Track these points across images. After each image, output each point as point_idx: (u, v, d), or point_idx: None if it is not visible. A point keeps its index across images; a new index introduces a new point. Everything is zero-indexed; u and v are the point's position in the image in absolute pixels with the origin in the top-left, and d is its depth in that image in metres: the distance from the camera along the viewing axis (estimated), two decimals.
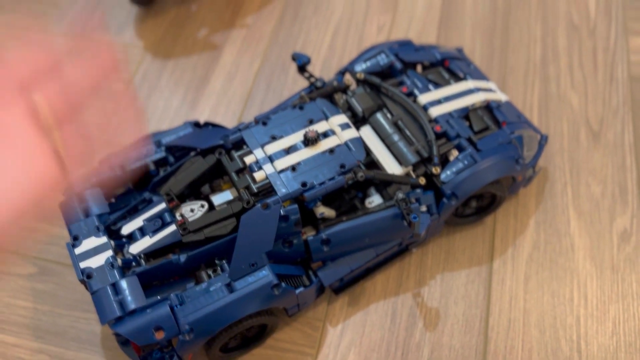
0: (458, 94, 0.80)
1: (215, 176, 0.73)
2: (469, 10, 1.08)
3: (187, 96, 0.97)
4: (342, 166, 0.68)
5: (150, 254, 0.67)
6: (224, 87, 0.98)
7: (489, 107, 0.81)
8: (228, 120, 0.93)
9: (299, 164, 0.68)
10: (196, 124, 0.78)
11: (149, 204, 0.70)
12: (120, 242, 0.68)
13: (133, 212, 0.70)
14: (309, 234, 0.69)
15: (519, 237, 0.81)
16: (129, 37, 1.05)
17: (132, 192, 0.74)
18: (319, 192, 0.66)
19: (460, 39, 1.04)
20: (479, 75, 0.85)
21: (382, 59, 0.83)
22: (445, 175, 0.72)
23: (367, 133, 0.76)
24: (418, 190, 0.72)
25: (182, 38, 1.05)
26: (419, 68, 0.86)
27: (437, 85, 0.82)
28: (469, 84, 0.82)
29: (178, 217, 0.67)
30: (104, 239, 0.66)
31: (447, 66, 0.85)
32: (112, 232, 0.69)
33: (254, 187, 0.67)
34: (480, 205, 0.80)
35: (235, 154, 0.71)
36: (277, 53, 1.03)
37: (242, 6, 1.09)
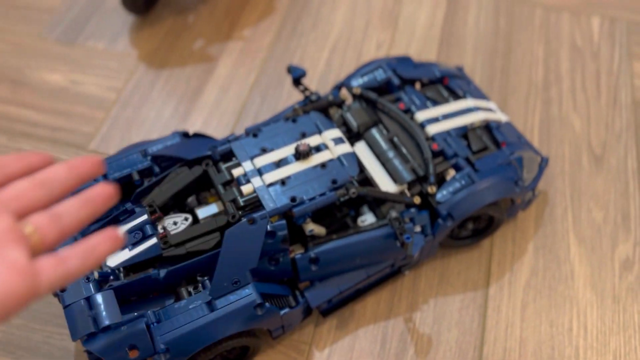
0: (457, 112, 0.78)
1: (201, 188, 0.70)
2: (470, 29, 1.06)
3: (179, 107, 0.95)
4: (334, 182, 0.65)
5: (129, 267, 0.64)
6: (218, 99, 0.96)
7: (488, 127, 0.78)
8: (220, 133, 0.91)
9: (289, 178, 0.66)
10: (185, 134, 0.75)
11: (130, 215, 0.67)
12: None
13: (113, 223, 0.67)
14: (297, 252, 0.66)
15: (516, 262, 0.78)
16: (123, 46, 1.03)
17: None
18: (308, 208, 0.64)
19: (461, 58, 1.02)
20: (479, 94, 0.83)
21: (380, 75, 0.81)
22: (442, 195, 0.70)
23: (361, 149, 0.74)
24: (412, 210, 0.69)
25: (177, 49, 1.03)
26: (418, 85, 0.84)
27: (436, 102, 0.80)
28: (469, 102, 0.80)
29: (160, 230, 0.64)
30: None
31: (446, 84, 0.83)
32: None
33: (241, 201, 0.64)
34: (477, 227, 0.77)
35: (223, 166, 0.68)
36: (273, 67, 1.01)
37: (240, 19, 1.08)
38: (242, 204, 0.64)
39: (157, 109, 0.94)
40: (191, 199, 0.71)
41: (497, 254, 0.79)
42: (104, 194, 0.38)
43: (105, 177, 0.70)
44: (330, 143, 0.69)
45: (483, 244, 0.79)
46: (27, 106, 0.94)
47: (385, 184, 0.70)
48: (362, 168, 0.72)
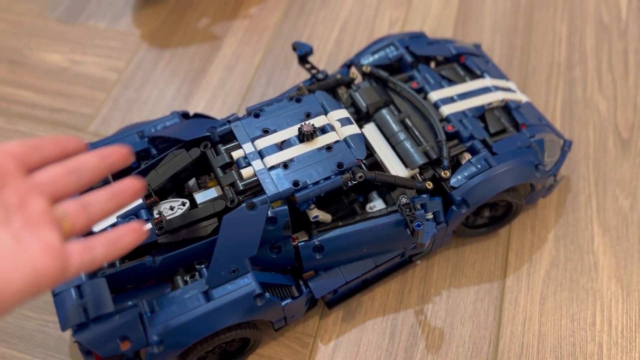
0: (474, 91, 0.73)
1: (201, 172, 0.66)
2: (488, 6, 1.01)
3: (182, 88, 0.91)
4: (340, 165, 0.61)
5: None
6: (222, 80, 0.92)
7: (507, 108, 0.74)
8: (224, 114, 0.87)
9: (291, 160, 0.61)
10: (184, 115, 0.71)
11: None
12: None
13: None
14: (301, 240, 0.62)
15: (535, 253, 0.73)
16: (125, 24, 0.99)
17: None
18: (312, 192, 0.59)
19: (478, 37, 0.96)
20: (497, 73, 0.78)
21: (391, 52, 0.76)
22: (456, 180, 0.65)
23: (370, 131, 0.69)
24: (424, 196, 0.65)
25: (181, 27, 0.99)
26: (432, 64, 0.79)
27: (451, 82, 0.75)
28: (486, 81, 0.75)
29: (155, 215, 0.61)
30: None
31: (462, 62, 0.78)
32: None
33: (240, 185, 0.60)
34: (493, 215, 0.72)
35: (222, 148, 0.64)
36: (281, 46, 0.96)
37: None
38: (241, 188, 0.60)
39: (160, 90, 0.91)
40: (191, 183, 0.67)
41: (515, 244, 0.74)
42: (132, 188, 0.40)
43: None
44: (337, 124, 0.65)
45: (500, 232, 0.75)
46: (26, 87, 0.91)
47: (396, 167, 0.66)
48: (371, 151, 0.67)
